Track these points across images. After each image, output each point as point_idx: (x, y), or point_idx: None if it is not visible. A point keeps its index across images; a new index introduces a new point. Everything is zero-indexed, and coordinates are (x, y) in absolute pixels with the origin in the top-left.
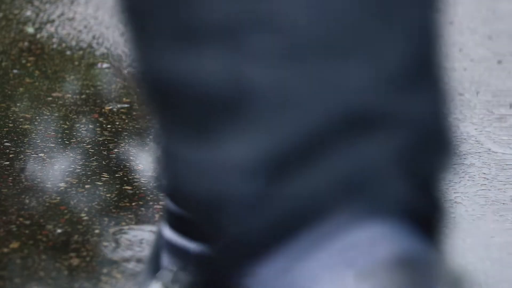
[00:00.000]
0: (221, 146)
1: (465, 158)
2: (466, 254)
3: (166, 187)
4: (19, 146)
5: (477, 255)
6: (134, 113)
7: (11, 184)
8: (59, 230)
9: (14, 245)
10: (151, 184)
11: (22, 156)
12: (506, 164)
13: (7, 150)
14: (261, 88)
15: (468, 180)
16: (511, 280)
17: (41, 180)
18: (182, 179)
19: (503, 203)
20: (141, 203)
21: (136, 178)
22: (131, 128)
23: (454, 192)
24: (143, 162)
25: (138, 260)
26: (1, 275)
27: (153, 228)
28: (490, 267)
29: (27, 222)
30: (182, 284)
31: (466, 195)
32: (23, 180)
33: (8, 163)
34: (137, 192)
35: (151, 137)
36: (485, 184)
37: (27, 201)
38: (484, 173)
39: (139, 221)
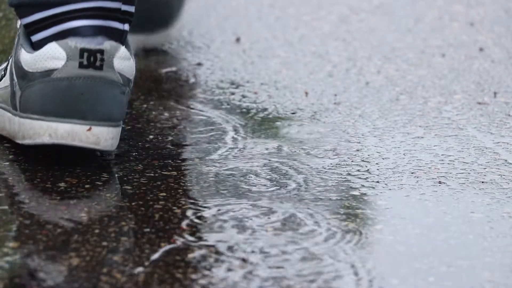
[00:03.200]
0: None
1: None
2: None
3: None
4: (19, 147)
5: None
6: (135, 112)
7: (11, 184)
8: (59, 230)
9: (14, 245)
10: (150, 184)
11: (22, 157)
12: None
13: (7, 151)
14: None
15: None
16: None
17: (41, 180)
18: None
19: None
20: (141, 203)
21: (136, 178)
22: (131, 127)
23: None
24: (143, 162)
25: (138, 260)
26: (1, 275)
27: (153, 228)
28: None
29: (27, 222)
30: None
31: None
32: (23, 179)
33: (7, 163)
34: (137, 192)
35: (151, 137)
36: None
37: (27, 201)
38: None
39: (139, 221)
